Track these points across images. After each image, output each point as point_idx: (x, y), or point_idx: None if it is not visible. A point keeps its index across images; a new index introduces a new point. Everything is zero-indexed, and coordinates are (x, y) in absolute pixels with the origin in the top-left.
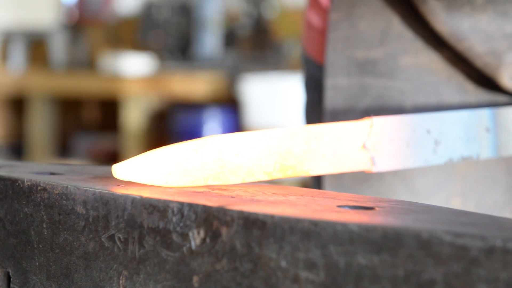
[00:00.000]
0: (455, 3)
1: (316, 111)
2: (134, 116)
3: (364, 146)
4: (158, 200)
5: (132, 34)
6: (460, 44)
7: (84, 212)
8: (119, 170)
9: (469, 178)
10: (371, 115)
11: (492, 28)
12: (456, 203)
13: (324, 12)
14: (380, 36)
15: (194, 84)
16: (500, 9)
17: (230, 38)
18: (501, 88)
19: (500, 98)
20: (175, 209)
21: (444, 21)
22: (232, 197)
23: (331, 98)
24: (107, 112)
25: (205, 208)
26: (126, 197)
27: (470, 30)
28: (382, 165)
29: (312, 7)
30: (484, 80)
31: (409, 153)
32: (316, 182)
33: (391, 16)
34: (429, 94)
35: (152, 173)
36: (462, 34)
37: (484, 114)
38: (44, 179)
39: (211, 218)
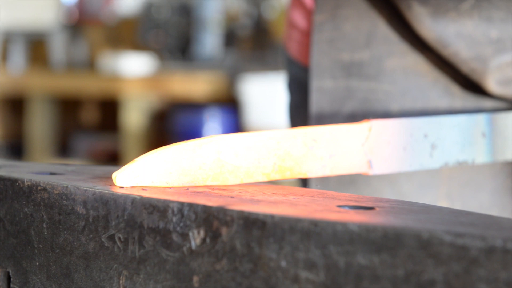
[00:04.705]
0: (440, 9)
1: (300, 112)
2: (134, 116)
3: (362, 149)
4: (158, 200)
5: (132, 34)
6: (445, 50)
7: (84, 212)
8: (119, 178)
9: (455, 181)
10: (356, 118)
11: (478, 33)
12: (442, 206)
13: (308, 13)
14: (365, 38)
15: (194, 84)
16: (485, 15)
17: (230, 38)
18: (487, 93)
19: (487, 101)
20: (175, 209)
21: (429, 27)
22: (232, 197)
23: (317, 100)
24: (107, 112)
25: (205, 208)
26: (126, 197)
27: (456, 36)
28: (379, 168)
29: (296, 8)
30: (470, 83)
31: (406, 157)
32: (302, 183)
33: (376, 18)
34: (415, 97)
35: (152, 174)
36: (447, 39)
37: (480, 119)
38: (44, 179)
39: (211, 218)
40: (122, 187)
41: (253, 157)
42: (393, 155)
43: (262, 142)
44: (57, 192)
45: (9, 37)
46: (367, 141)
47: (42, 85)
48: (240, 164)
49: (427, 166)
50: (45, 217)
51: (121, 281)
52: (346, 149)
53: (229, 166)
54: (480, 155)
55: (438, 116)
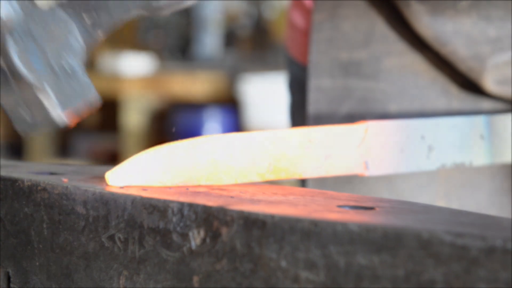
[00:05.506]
0: (439, 7)
1: (301, 113)
2: (134, 116)
3: (357, 150)
4: (158, 200)
5: (132, 34)
6: (443, 48)
7: (84, 212)
8: (112, 177)
9: (452, 181)
10: (354, 118)
11: (476, 32)
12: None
13: (307, 13)
14: (364, 37)
15: (194, 84)
16: (483, 13)
17: (230, 38)
18: (484, 92)
19: (484, 101)
20: (175, 209)
21: (427, 25)
22: (232, 197)
23: (315, 99)
24: (107, 112)
25: (205, 208)
26: (126, 197)
27: (454, 34)
28: (375, 170)
29: (296, 8)
30: (468, 83)
31: (403, 158)
32: (300, 182)
33: (375, 18)
34: (413, 96)
35: (145, 174)
36: (445, 38)
37: (479, 121)
38: (44, 179)
39: (211, 218)
40: (122, 187)
41: (248, 158)
42: (390, 156)
43: (257, 142)
44: (57, 192)
45: None
46: (363, 142)
47: None
48: (235, 164)
49: (424, 167)
50: (45, 217)
51: (121, 281)
52: (342, 150)
53: (223, 166)
54: (478, 157)
55: (436, 117)
